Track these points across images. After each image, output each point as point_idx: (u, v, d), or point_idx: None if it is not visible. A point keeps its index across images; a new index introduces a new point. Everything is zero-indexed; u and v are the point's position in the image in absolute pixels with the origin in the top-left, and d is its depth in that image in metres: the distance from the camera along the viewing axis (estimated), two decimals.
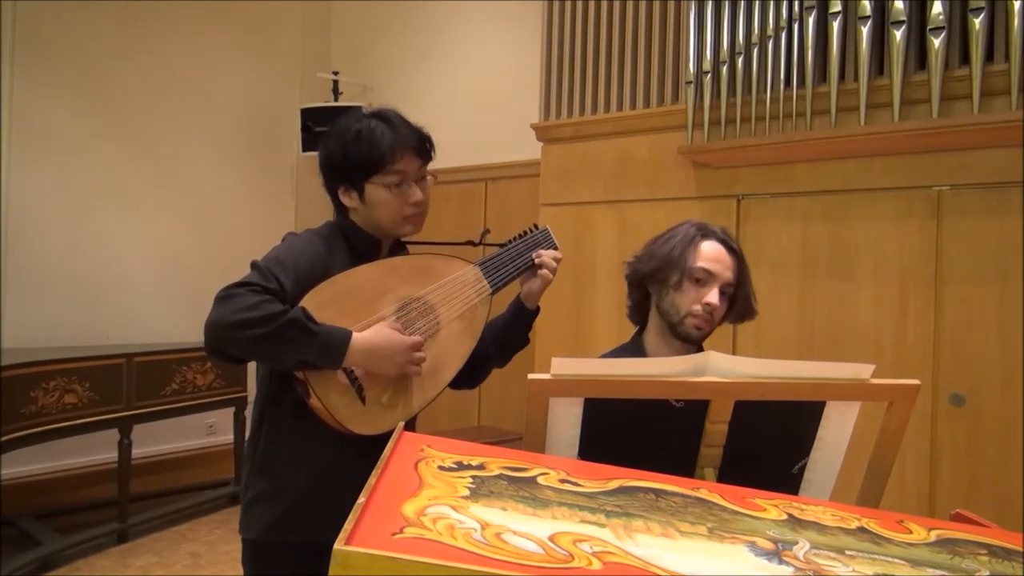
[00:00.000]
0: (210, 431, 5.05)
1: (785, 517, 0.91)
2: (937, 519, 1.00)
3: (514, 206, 4.54)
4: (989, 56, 2.54)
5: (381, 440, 0.98)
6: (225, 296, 1.41)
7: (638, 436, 1.22)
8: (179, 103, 4.97)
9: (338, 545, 0.64)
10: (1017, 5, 2.43)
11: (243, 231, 5.08)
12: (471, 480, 0.86)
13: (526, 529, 0.75)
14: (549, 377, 1.14)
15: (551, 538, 0.74)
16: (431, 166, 1.68)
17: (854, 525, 0.92)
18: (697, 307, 1.51)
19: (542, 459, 1.03)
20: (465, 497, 0.80)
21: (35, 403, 3.57)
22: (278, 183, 5.53)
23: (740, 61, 3.07)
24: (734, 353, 2.62)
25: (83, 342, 4.42)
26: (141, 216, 4.81)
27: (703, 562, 0.76)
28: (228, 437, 4.81)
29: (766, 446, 1.27)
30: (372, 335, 1.49)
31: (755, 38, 3.02)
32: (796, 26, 2.92)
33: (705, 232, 1.56)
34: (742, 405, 1.19)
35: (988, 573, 0.84)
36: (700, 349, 1.56)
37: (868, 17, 2.71)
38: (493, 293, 1.72)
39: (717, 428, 1.21)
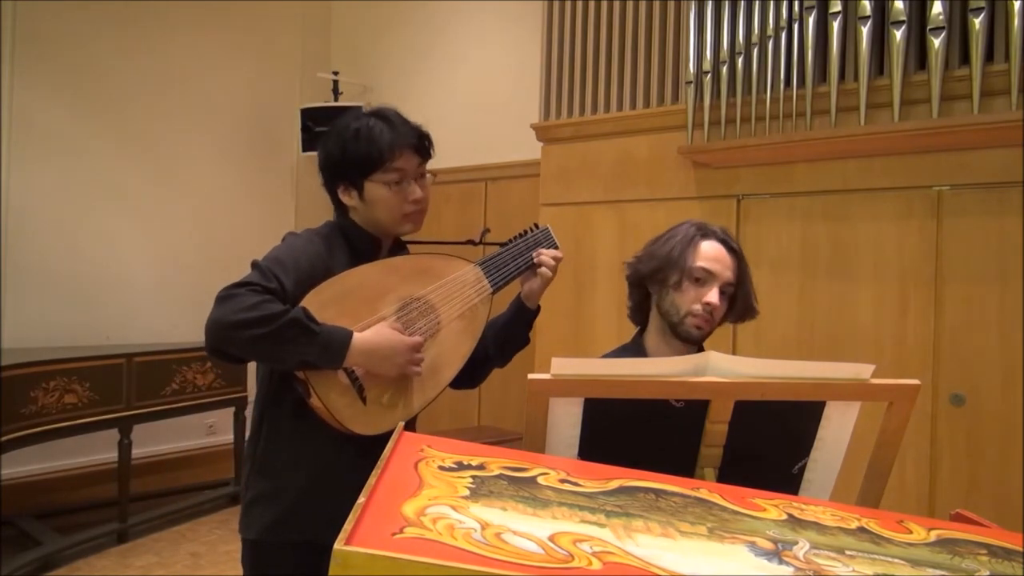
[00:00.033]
0: (210, 431, 5.05)
1: (785, 517, 0.91)
2: (937, 519, 1.00)
3: (514, 206, 4.54)
4: (989, 56, 2.54)
5: (381, 440, 0.98)
6: (226, 296, 1.41)
7: (638, 436, 1.22)
8: (179, 103, 4.97)
9: (338, 545, 0.64)
10: (1017, 5, 2.43)
11: (243, 231, 5.08)
12: (471, 480, 0.86)
13: (526, 529, 0.75)
14: (549, 377, 1.14)
15: (551, 538, 0.74)
16: (430, 165, 1.68)
17: (854, 525, 0.92)
18: (697, 307, 1.51)
19: (542, 459, 1.03)
20: (465, 497, 0.80)
21: (35, 403, 3.57)
22: (278, 183, 5.54)
23: (740, 61, 3.07)
24: (734, 353, 2.62)
25: (83, 342, 4.42)
26: (141, 216, 4.81)
27: (703, 562, 0.76)
28: (228, 437, 4.81)
29: (766, 446, 1.27)
30: (373, 335, 1.49)
31: (755, 38, 3.02)
32: (796, 26, 2.92)
33: (705, 232, 1.56)
34: (742, 405, 1.19)
35: (988, 573, 0.84)
36: (701, 349, 1.56)
37: (868, 17, 2.71)
38: (494, 293, 1.72)
39: (717, 428, 1.21)
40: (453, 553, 0.67)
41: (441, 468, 0.88)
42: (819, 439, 1.28)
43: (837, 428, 1.27)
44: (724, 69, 3.11)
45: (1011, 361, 2.61)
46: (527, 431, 1.19)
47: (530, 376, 1.14)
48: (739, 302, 1.56)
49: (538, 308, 1.79)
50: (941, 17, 2.58)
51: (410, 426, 1.58)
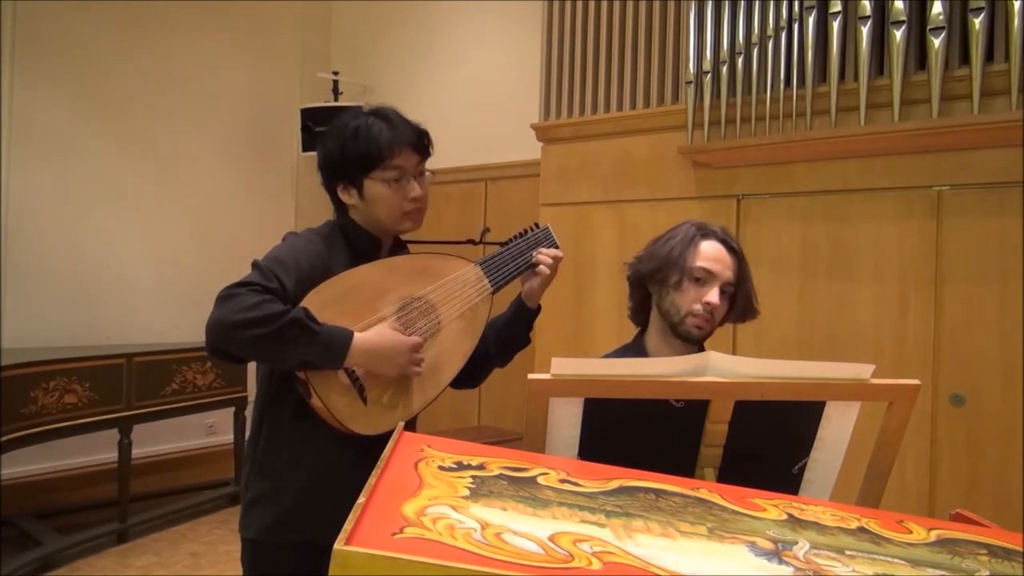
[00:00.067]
0: (210, 431, 5.05)
1: (785, 517, 0.91)
2: (937, 519, 1.00)
3: (514, 206, 4.54)
4: (989, 56, 2.54)
5: (381, 440, 0.98)
6: (226, 296, 1.41)
7: (638, 436, 1.22)
8: (179, 103, 4.97)
9: (338, 545, 0.64)
10: (1017, 5, 2.43)
11: (243, 231, 5.08)
12: (471, 480, 0.86)
13: (526, 529, 0.75)
14: (549, 377, 1.14)
15: (551, 538, 0.74)
16: (430, 164, 1.68)
17: (854, 525, 0.92)
18: (697, 306, 1.51)
19: (542, 459, 1.03)
20: (465, 497, 0.80)
21: (35, 403, 3.57)
22: (278, 183, 5.54)
23: (740, 61, 3.07)
24: (734, 353, 2.62)
25: (83, 342, 4.42)
26: (141, 216, 4.81)
27: (703, 562, 0.76)
28: (228, 437, 4.81)
29: (766, 446, 1.27)
30: (373, 335, 1.49)
31: (755, 38, 3.02)
32: (796, 26, 2.92)
33: (705, 232, 1.56)
34: (742, 405, 1.19)
35: (988, 573, 0.84)
36: (701, 349, 1.56)
37: (868, 17, 2.71)
38: (494, 292, 1.72)
39: (717, 428, 1.21)
40: (453, 553, 0.67)
41: (441, 468, 0.88)
42: (819, 439, 1.28)
43: (837, 428, 1.27)
44: (724, 69, 3.11)
45: (1011, 361, 2.61)
46: (527, 431, 1.19)
47: (530, 376, 1.15)
48: (739, 302, 1.57)
49: (539, 308, 1.79)
50: (941, 17, 2.58)
51: (410, 426, 1.58)
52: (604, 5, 3.64)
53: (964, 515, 1.07)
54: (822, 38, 2.88)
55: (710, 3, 3.15)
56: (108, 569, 3.67)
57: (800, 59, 2.92)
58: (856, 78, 2.77)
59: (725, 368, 1.18)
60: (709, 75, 3.16)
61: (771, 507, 0.94)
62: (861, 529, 0.91)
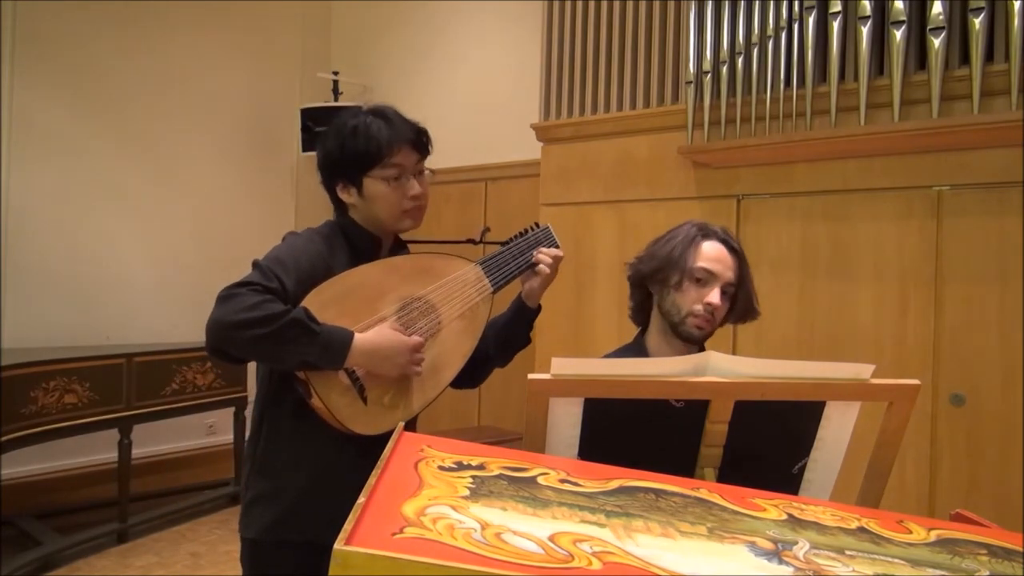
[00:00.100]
0: (210, 431, 5.05)
1: (785, 517, 0.91)
2: (937, 519, 1.00)
3: (514, 206, 4.54)
4: (989, 56, 2.54)
5: (381, 440, 0.98)
6: (227, 296, 1.41)
7: (638, 436, 1.22)
8: (179, 103, 4.97)
9: (338, 545, 0.64)
10: (1017, 5, 2.43)
11: (243, 231, 5.08)
12: (471, 480, 0.86)
13: (526, 529, 0.75)
14: (549, 377, 1.14)
15: (551, 538, 0.74)
16: (430, 163, 1.68)
17: (854, 525, 0.92)
18: (698, 307, 1.51)
19: (542, 459, 1.03)
20: (465, 497, 0.81)
21: (35, 403, 3.57)
22: (278, 183, 5.54)
23: (740, 61, 3.07)
24: (734, 353, 2.62)
25: (83, 342, 4.42)
26: (141, 216, 4.81)
27: (703, 562, 0.76)
28: (228, 437, 4.81)
29: (766, 446, 1.27)
30: (374, 336, 1.49)
31: (755, 38, 3.02)
32: (796, 26, 2.92)
33: (706, 232, 1.56)
34: (742, 405, 1.19)
35: (988, 573, 0.84)
36: (702, 349, 1.56)
37: (868, 17, 2.71)
38: (494, 292, 1.72)
39: (717, 428, 1.21)
40: (453, 553, 0.67)
41: (441, 468, 0.88)
42: (819, 439, 1.28)
43: (837, 428, 1.27)
44: (724, 69, 3.11)
45: (1011, 361, 2.61)
46: (527, 431, 1.19)
47: (530, 376, 1.15)
48: (740, 302, 1.57)
49: (539, 307, 1.79)
50: (941, 17, 2.58)
51: (410, 426, 1.58)
52: (604, 5, 3.64)
53: (964, 515, 1.07)
54: (822, 38, 2.88)
55: (710, 3, 3.15)
56: (108, 569, 3.67)
57: (800, 59, 2.92)
58: (856, 78, 2.77)
59: (725, 368, 1.18)
60: (709, 75, 3.16)
61: (771, 507, 0.94)
62: (861, 529, 0.91)
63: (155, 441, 4.66)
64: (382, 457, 0.87)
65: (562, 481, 0.91)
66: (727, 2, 3.10)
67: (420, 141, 1.63)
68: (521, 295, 1.77)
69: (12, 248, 4.26)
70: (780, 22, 2.96)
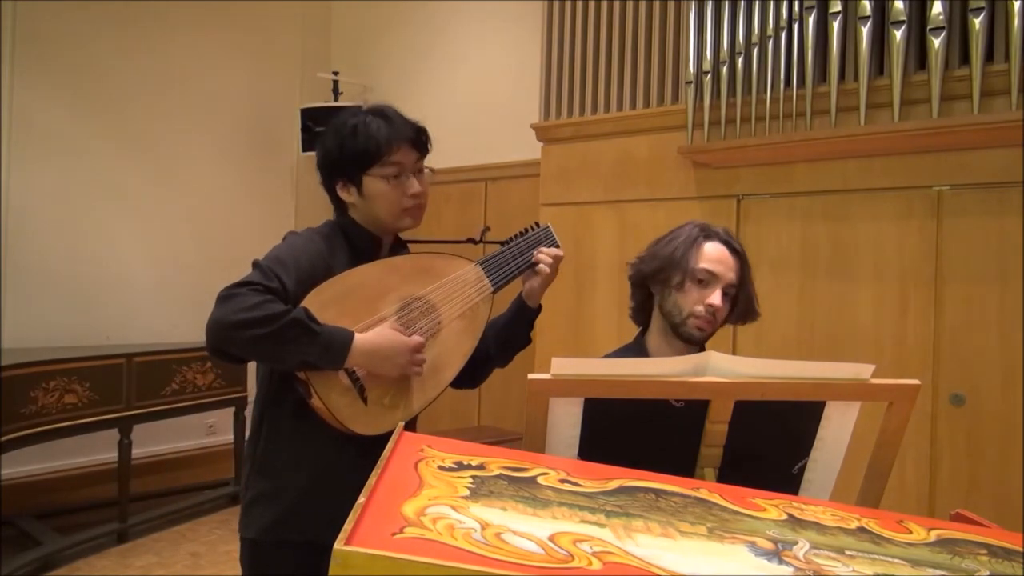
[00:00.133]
0: (210, 431, 5.05)
1: (785, 517, 0.91)
2: (937, 519, 1.00)
3: (514, 206, 4.54)
4: (989, 56, 2.54)
5: (381, 440, 0.98)
6: (227, 296, 1.41)
7: (638, 436, 1.22)
8: (179, 103, 4.97)
9: (338, 545, 0.64)
10: (1017, 5, 2.43)
11: (243, 231, 5.08)
12: (471, 480, 0.86)
13: (526, 529, 0.75)
14: (549, 377, 1.14)
15: (551, 538, 0.74)
16: (430, 163, 1.68)
17: (854, 525, 0.92)
18: (699, 308, 1.51)
19: (542, 459, 1.03)
20: (465, 497, 0.81)
21: (35, 403, 3.57)
22: (278, 183, 5.54)
23: (740, 61, 3.07)
24: (734, 353, 2.62)
25: (83, 342, 4.42)
26: (141, 216, 4.81)
27: (703, 562, 0.76)
28: (228, 437, 4.81)
29: (766, 446, 1.27)
30: (374, 336, 1.49)
31: (755, 38, 3.02)
32: (796, 26, 2.92)
33: (708, 233, 1.56)
34: (742, 405, 1.19)
35: (988, 573, 0.84)
36: (702, 349, 1.56)
37: (868, 17, 2.71)
38: (494, 292, 1.72)
39: (717, 428, 1.21)
40: (453, 553, 0.67)
41: (441, 468, 0.88)
42: (819, 439, 1.28)
43: (837, 428, 1.27)
44: (724, 69, 3.11)
45: (1011, 361, 2.61)
46: (527, 431, 1.19)
47: (530, 376, 1.15)
48: (741, 303, 1.57)
49: (539, 307, 1.79)
50: (941, 17, 2.58)
51: (410, 426, 1.58)
52: (604, 5, 3.64)
53: (964, 515, 1.07)
54: (822, 38, 2.88)
55: (710, 3, 3.15)
56: (108, 569, 3.67)
57: (800, 59, 2.91)
58: (856, 78, 2.77)
59: (725, 368, 1.18)
60: (709, 75, 3.16)
61: (771, 507, 0.94)
62: (861, 529, 0.91)
63: (155, 441, 4.66)
64: (382, 457, 0.87)
65: (562, 481, 0.91)
66: (727, 2, 3.10)
67: (419, 140, 1.64)
68: (521, 295, 1.77)
69: (12, 248, 4.26)
70: (780, 22, 2.96)
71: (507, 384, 3.83)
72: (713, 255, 1.53)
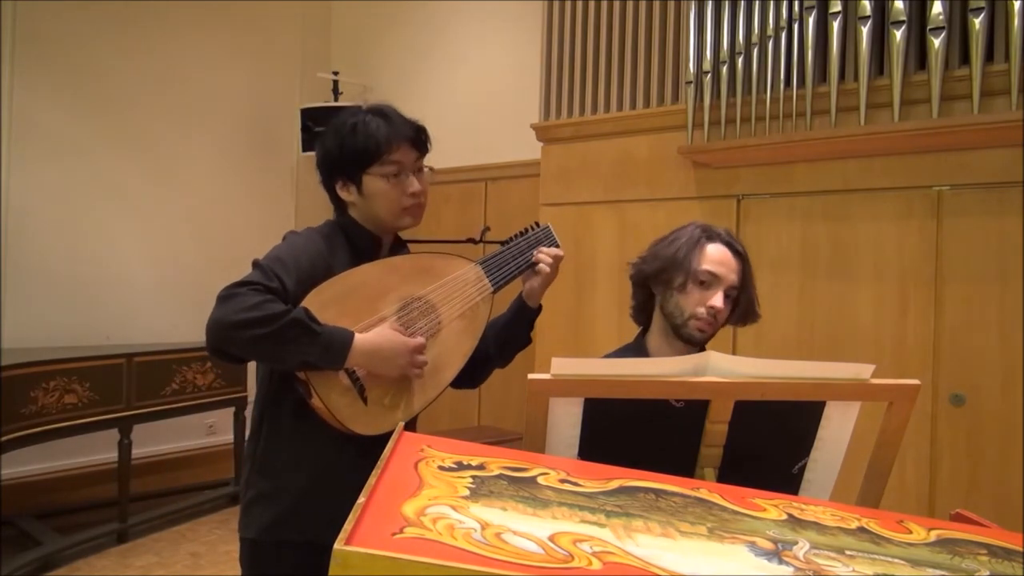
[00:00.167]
0: (210, 431, 5.05)
1: (785, 517, 0.91)
2: (937, 519, 1.00)
3: (514, 206, 4.54)
4: (989, 56, 2.54)
5: (381, 440, 0.98)
6: (227, 295, 1.41)
7: (638, 436, 1.22)
8: (179, 103, 4.97)
9: (338, 545, 0.64)
10: (1017, 5, 2.43)
11: (243, 231, 5.08)
12: (471, 480, 0.86)
13: (526, 529, 0.75)
14: (549, 377, 1.14)
15: (551, 538, 0.74)
16: (430, 162, 1.68)
17: (854, 525, 0.92)
18: (701, 310, 1.51)
19: (542, 459, 1.03)
20: (465, 497, 0.81)
21: (35, 403, 3.57)
22: (278, 183, 5.54)
23: (740, 61, 3.07)
24: (734, 353, 2.62)
25: (83, 342, 4.42)
26: (141, 216, 4.81)
27: (703, 562, 0.76)
28: (228, 437, 4.81)
29: (766, 446, 1.27)
30: (375, 336, 1.49)
31: (755, 38, 3.02)
32: (796, 26, 2.92)
33: (710, 234, 1.56)
34: (742, 405, 1.19)
35: (988, 573, 0.84)
36: (702, 350, 1.56)
37: (868, 17, 2.71)
38: (495, 291, 1.72)
39: (717, 428, 1.21)
40: (453, 553, 0.67)
41: (441, 468, 0.88)
42: (819, 439, 1.28)
43: (837, 428, 1.27)
44: (724, 69, 3.11)
45: (1011, 361, 2.61)
46: (527, 431, 1.19)
47: (530, 376, 1.14)
48: (742, 305, 1.56)
49: (539, 307, 1.79)
50: (941, 17, 2.58)
51: (410, 426, 1.58)
52: (604, 5, 3.64)
53: (964, 515, 1.07)
54: (822, 38, 2.88)
55: (710, 3, 3.15)
56: (108, 569, 3.67)
57: (800, 59, 2.92)
58: (856, 78, 2.77)
59: (725, 368, 1.18)
60: (709, 75, 3.16)
61: (771, 507, 0.94)
62: (861, 529, 0.91)
63: (155, 441, 4.66)
64: (382, 457, 0.87)
65: (562, 481, 0.91)
66: (727, 2, 3.10)
67: (419, 139, 1.64)
68: (522, 295, 1.77)
69: (12, 248, 4.26)
70: (780, 22, 2.96)
71: (507, 384, 3.83)
72: (715, 256, 1.53)
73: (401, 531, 0.70)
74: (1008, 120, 2.46)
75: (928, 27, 2.60)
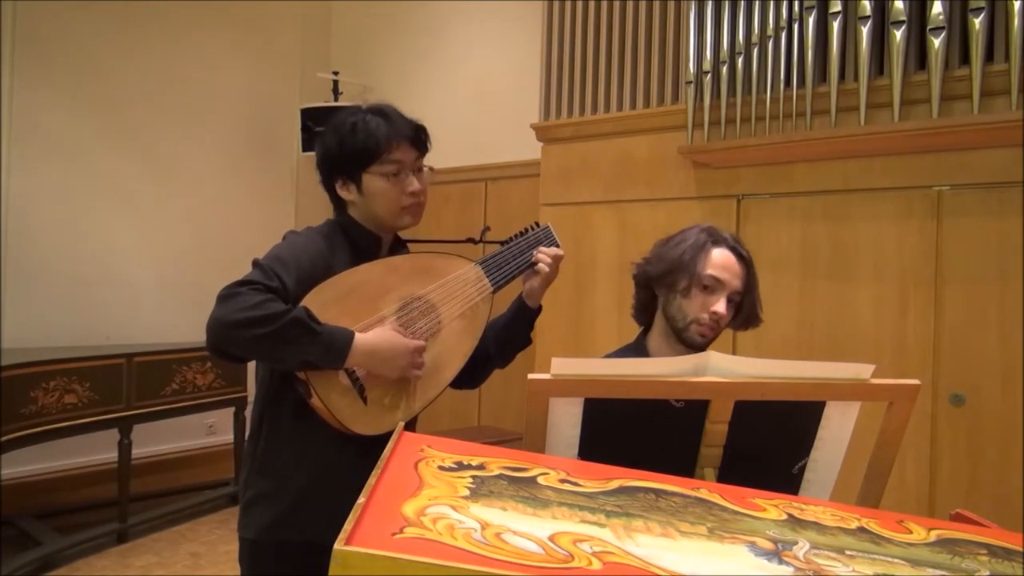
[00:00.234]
0: (210, 431, 5.05)
1: (785, 517, 0.91)
2: (937, 519, 1.00)
3: (514, 206, 4.54)
4: (989, 56, 2.54)
5: (381, 440, 0.98)
6: (227, 295, 1.41)
7: (638, 436, 1.22)
8: (179, 103, 4.97)
9: (338, 545, 0.64)
10: (1017, 5, 2.43)
11: (243, 231, 5.08)
12: (471, 480, 0.86)
13: (526, 529, 0.75)
14: (549, 377, 1.14)
15: (551, 538, 0.74)
16: (430, 162, 1.68)
17: (854, 525, 0.92)
18: (704, 315, 1.51)
19: (542, 459, 1.03)
20: (465, 497, 0.80)
21: (35, 403, 3.57)
22: (278, 183, 5.54)
23: (740, 61, 3.07)
24: (734, 353, 2.62)
25: (83, 342, 4.42)
26: (141, 216, 4.81)
27: (703, 562, 0.76)
28: (228, 437, 4.81)
29: (766, 446, 1.27)
30: (375, 337, 1.49)
31: (755, 38, 3.02)
32: (796, 26, 2.92)
33: (716, 238, 1.55)
34: (742, 405, 1.19)
35: (988, 573, 0.84)
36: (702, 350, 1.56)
37: (868, 17, 2.71)
38: (494, 291, 1.72)
39: (717, 428, 1.21)
40: (453, 553, 0.67)
41: (441, 468, 0.88)
42: (819, 439, 1.28)
43: (837, 428, 1.27)
44: (724, 69, 3.11)
45: (1011, 361, 2.61)
46: (527, 431, 1.19)
47: (530, 376, 1.14)
48: (745, 310, 1.56)
49: (539, 307, 1.79)
50: (941, 17, 2.58)
51: (410, 426, 1.58)
52: (604, 5, 3.64)
53: (964, 515, 1.07)
54: (822, 38, 2.88)
55: (710, 3, 3.15)
56: (108, 569, 3.67)
57: (800, 59, 2.92)
58: (856, 78, 2.77)
59: (725, 368, 1.18)
60: (709, 75, 3.16)
61: (771, 507, 0.94)
62: (861, 529, 0.91)
63: (155, 441, 4.66)
64: (382, 457, 0.87)
65: (562, 481, 0.91)
66: (727, 2, 3.10)
67: (419, 138, 1.64)
68: (522, 295, 1.77)
69: (12, 248, 4.26)
70: (780, 22, 2.96)
71: (507, 384, 3.83)
72: (720, 262, 1.52)
73: (401, 531, 0.70)
74: (1008, 120, 2.46)
75: (928, 27, 2.60)
